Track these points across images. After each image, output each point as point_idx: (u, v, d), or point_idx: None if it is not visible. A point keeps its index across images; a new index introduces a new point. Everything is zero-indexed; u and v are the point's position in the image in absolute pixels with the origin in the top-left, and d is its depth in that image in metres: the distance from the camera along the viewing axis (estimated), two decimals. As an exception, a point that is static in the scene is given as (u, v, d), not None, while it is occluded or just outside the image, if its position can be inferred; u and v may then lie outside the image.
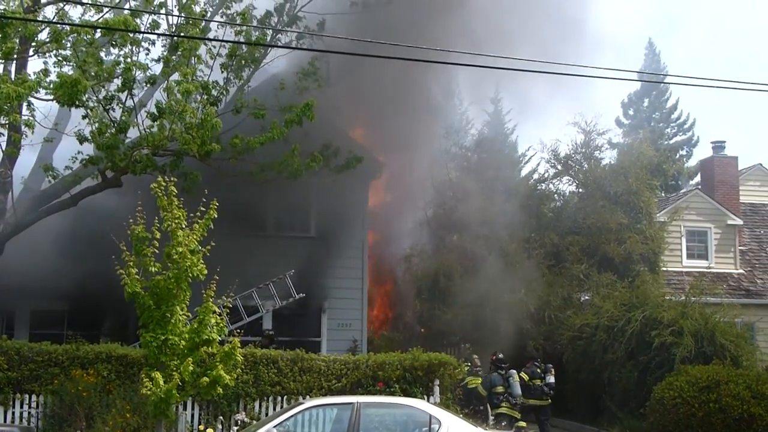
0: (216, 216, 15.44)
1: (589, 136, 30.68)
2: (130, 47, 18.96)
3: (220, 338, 15.44)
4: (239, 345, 15.61)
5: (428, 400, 18.97)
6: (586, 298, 27.70)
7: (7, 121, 17.62)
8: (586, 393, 25.28)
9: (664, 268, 29.33)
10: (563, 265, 27.97)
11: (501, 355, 22.71)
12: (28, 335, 22.78)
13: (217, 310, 15.37)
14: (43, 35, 17.71)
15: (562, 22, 26.27)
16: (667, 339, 23.01)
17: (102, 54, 18.95)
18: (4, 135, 19.75)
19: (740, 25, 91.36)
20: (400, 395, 19.52)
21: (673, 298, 25.37)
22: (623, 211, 28.51)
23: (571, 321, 26.14)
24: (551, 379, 22.77)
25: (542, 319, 27.04)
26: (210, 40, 20.28)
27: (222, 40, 20.53)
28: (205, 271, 15.26)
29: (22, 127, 18.37)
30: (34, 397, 18.71)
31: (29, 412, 18.72)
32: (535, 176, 35.50)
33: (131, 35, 18.23)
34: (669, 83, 56.40)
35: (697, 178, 46.94)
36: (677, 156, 55.50)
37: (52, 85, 16.61)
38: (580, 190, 30.83)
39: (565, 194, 32.00)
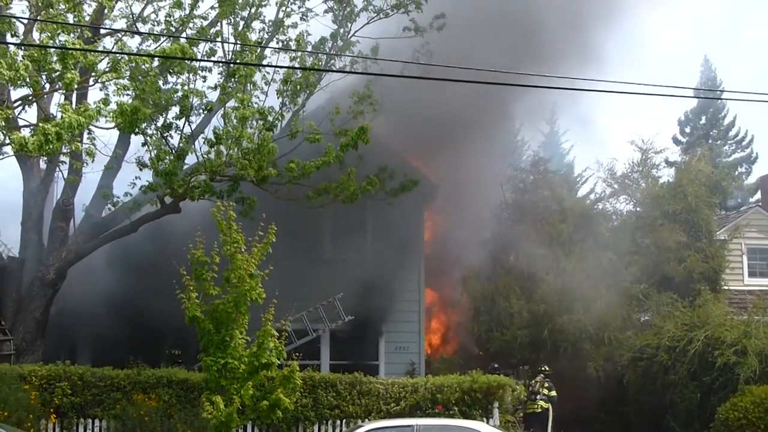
0: (274, 240, 15.58)
1: (645, 154, 30.33)
2: (187, 75, 19.24)
3: (278, 362, 15.54)
4: (298, 368, 15.70)
5: (488, 423, 18.86)
6: (646, 318, 27.27)
7: (68, 150, 17.93)
8: (647, 415, 24.86)
9: (726, 287, 28.77)
10: (622, 285, 27.58)
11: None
12: (90, 360, 23.05)
13: (276, 333, 15.48)
14: (102, 65, 18.02)
15: (619, 41, 26.11)
16: (730, 359, 22.55)
17: (160, 82, 19.24)
18: (66, 163, 20.13)
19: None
20: (459, 418, 19.43)
21: (735, 318, 24.89)
22: (682, 229, 28.03)
23: (631, 342, 25.78)
24: None
25: (601, 340, 26.69)
26: (265, 66, 20.48)
27: (277, 66, 20.72)
28: (264, 295, 15.39)
29: (83, 155, 18.66)
30: (97, 422, 18.94)
31: (92, 437, 18.97)
32: (593, 196, 35.21)
33: (188, 63, 18.49)
34: (726, 99, 55.39)
35: (758, 195, 46.22)
36: (736, 173, 54.64)
37: (112, 114, 16.90)
38: (638, 209, 30.45)
39: (622, 213, 31.64)
